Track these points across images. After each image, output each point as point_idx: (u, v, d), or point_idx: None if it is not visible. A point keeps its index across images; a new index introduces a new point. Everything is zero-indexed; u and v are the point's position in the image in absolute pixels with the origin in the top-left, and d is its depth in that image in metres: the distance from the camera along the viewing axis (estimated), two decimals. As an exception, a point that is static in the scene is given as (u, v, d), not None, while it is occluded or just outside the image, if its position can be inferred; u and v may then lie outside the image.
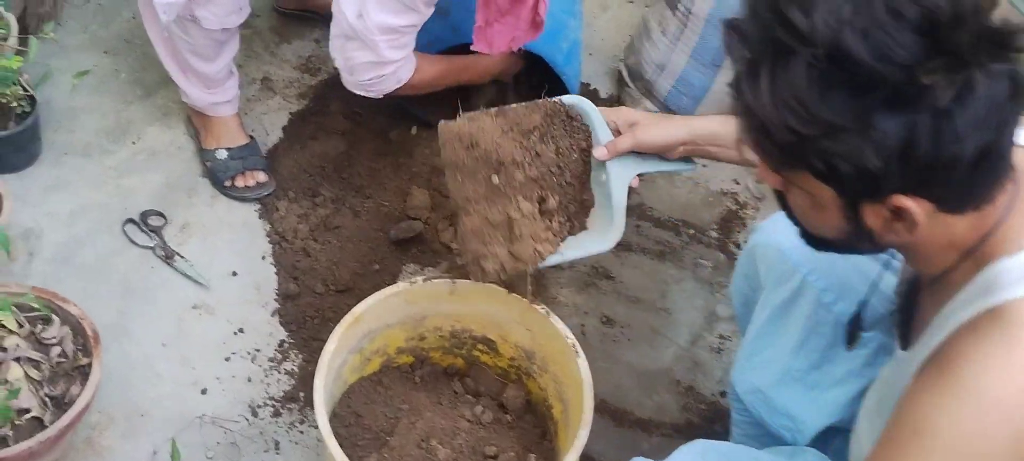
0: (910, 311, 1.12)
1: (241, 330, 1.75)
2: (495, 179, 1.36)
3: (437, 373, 1.63)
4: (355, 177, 2.00)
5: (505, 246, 1.39)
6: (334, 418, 1.50)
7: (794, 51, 0.82)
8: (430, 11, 1.67)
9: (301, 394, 1.68)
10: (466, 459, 1.47)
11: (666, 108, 2.20)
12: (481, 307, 1.53)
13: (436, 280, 1.47)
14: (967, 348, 0.89)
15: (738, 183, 2.19)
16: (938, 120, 0.81)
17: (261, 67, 2.22)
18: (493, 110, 1.40)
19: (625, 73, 2.29)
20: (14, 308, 1.46)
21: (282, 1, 2.32)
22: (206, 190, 1.95)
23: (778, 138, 0.85)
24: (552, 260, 1.41)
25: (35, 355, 1.44)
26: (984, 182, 0.88)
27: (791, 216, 1.02)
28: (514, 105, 1.41)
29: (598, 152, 1.39)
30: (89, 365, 1.46)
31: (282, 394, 1.68)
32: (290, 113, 2.14)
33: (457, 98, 2.00)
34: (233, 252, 1.86)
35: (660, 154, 1.39)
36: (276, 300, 1.81)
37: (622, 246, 2.00)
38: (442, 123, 1.41)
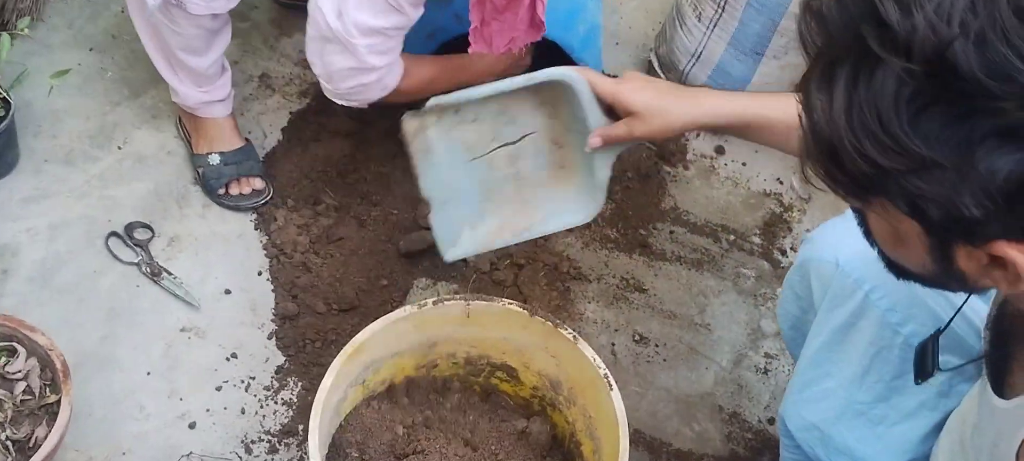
0: (1007, 348, 0.92)
1: (234, 355, 1.59)
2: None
3: (452, 390, 1.45)
4: (361, 183, 1.83)
5: None
6: (334, 451, 1.33)
7: (883, 58, 0.62)
8: (418, 13, 1.48)
9: (300, 427, 1.52)
10: None
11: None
12: (500, 332, 1.35)
13: (448, 303, 1.30)
14: None
15: (782, 183, 2.00)
16: None
17: (259, 63, 2.05)
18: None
19: (656, 63, 2.10)
20: (-25, 339, 1.31)
21: (282, -9, 2.15)
22: (198, 199, 1.79)
23: (850, 166, 0.66)
24: (527, 235, 1.30)
25: (-2, 392, 1.28)
26: None
27: (869, 238, 0.81)
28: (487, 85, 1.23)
29: (591, 141, 1.23)
30: (57, 403, 1.30)
31: (279, 427, 1.51)
32: (290, 113, 1.96)
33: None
34: (226, 268, 1.69)
35: None
36: (273, 321, 1.64)
37: (655, 254, 1.82)
38: (405, 117, 1.25)
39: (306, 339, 1.61)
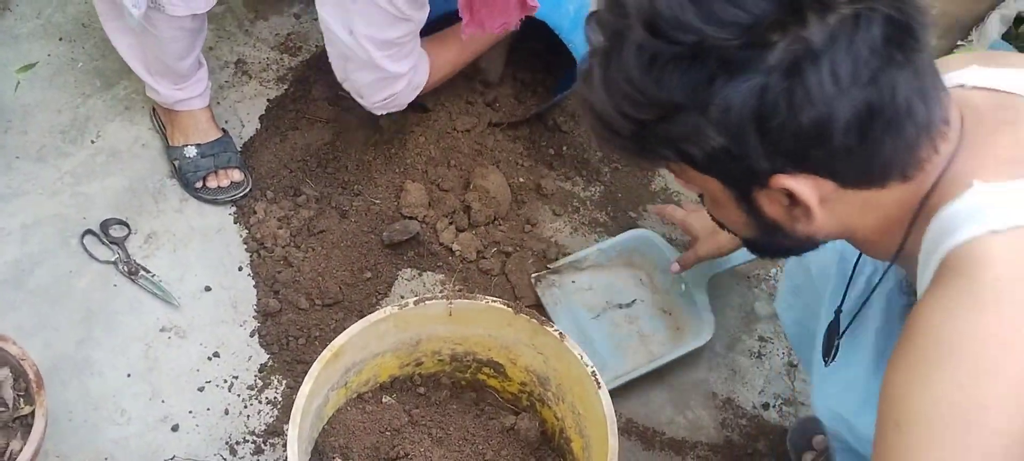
0: None
1: (216, 354, 1.55)
2: None
3: (439, 386, 1.42)
4: (342, 172, 1.78)
5: None
6: (317, 457, 1.30)
7: (625, 34, 0.75)
8: (424, 13, 1.48)
9: (285, 426, 1.48)
10: None
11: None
12: (484, 329, 1.32)
13: (430, 302, 1.26)
14: (929, 315, 0.76)
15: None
16: (790, 81, 0.70)
17: (234, 48, 1.99)
18: None
19: (642, 39, 2.05)
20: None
21: (257, -27, 2.09)
22: (174, 193, 1.74)
23: (619, 128, 0.79)
24: (656, 363, 1.57)
25: (-31, 406, 1.24)
26: (883, 148, 0.75)
27: (713, 217, 0.93)
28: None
29: (672, 267, 1.64)
30: (32, 414, 1.26)
31: (264, 427, 1.48)
32: (268, 100, 1.91)
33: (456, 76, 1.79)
34: (206, 264, 1.65)
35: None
36: (255, 318, 1.60)
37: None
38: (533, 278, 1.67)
39: (289, 336, 1.57)
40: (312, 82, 1.93)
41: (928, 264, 0.80)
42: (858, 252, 1.06)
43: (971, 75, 0.87)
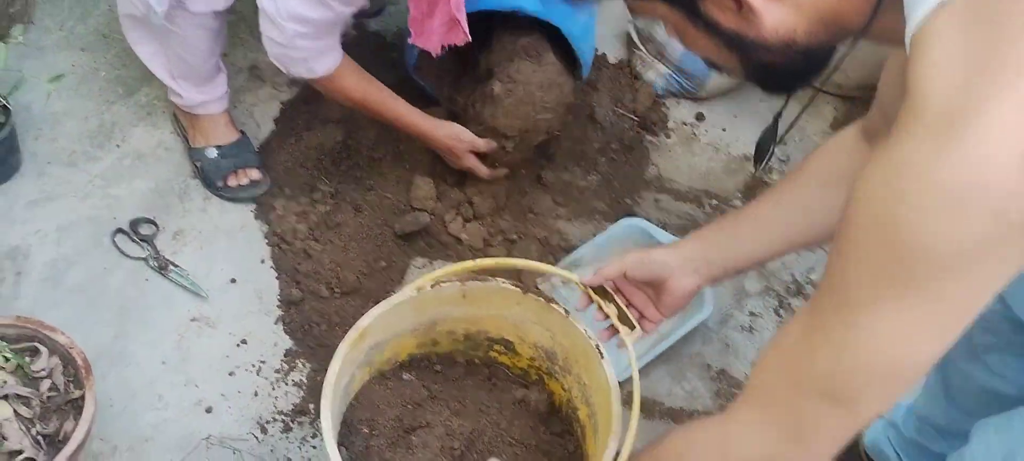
0: None
1: (244, 341, 1.66)
2: None
3: (454, 363, 1.54)
4: (354, 169, 1.89)
5: None
6: (346, 429, 1.40)
7: None
8: (348, 10, 1.56)
9: (311, 406, 1.59)
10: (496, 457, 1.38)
11: (681, 70, 2.08)
12: (495, 309, 1.43)
13: (445, 285, 1.37)
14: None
15: (760, 146, 2.07)
16: None
17: (248, 55, 2.10)
18: None
19: (635, 36, 2.16)
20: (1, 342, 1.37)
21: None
22: (198, 193, 1.85)
23: None
24: (667, 343, 1.66)
25: (24, 391, 1.35)
26: None
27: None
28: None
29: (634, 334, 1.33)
30: (82, 398, 1.37)
31: (291, 407, 1.59)
32: (281, 103, 2.02)
33: (463, 68, 1.89)
34: (230, 258, 1.76)
35: None
36: (279, 307, 1.71)
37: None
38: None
39: (312, 322, 1.68)
40: (323, 84, 2.04)
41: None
42: None
43: None
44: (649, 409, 1.66)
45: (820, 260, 1.90)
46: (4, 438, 1.30)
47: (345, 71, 1.68)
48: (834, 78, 2.16)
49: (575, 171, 1.97)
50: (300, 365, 1.64)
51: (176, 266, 1.73)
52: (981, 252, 0.64)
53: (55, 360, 1.40)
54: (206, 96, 1.81)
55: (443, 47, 1.59)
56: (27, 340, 1.41)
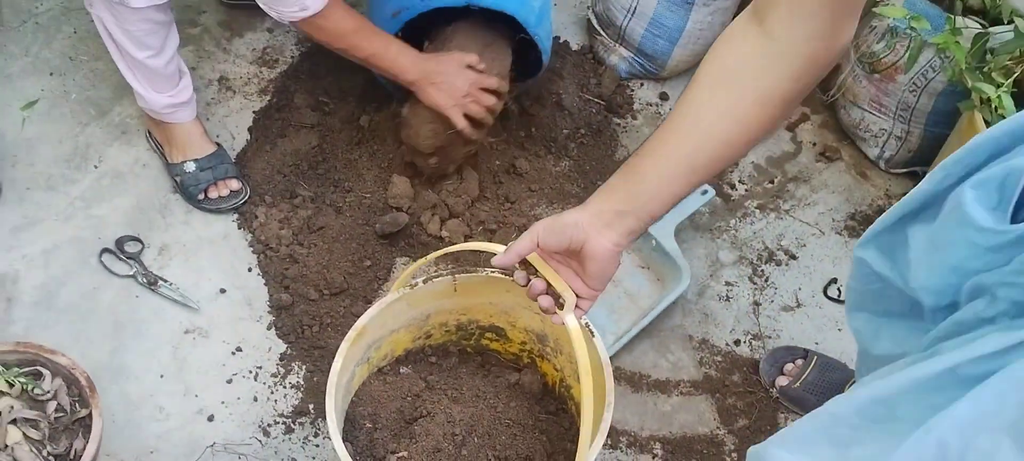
0: None
1: (239, 349, 1.70)
2: None
3: (448, 354, 1.59)
4: (331, 172, 1.93)
5: None
6: (349, 425, 1.45)
7: None
8: None
9: (310, 406, 1.64)
10: (496, 440, 1.44)
11: (641, 52, 2.14)
12: (486, 298, 1.48)
13: (436, 280, 1.42)
14: None
15: (723, 121, 2.14)
16: None
17: (216, 66, 2.12)
18: None
19: (594, 21, 2.22)
20: (1, 367, 1.40)
21: (227, -8, 2.21)
22: (179, 207, 1.88)
23: None
24: (649, 317, 1.76)
25: (31, 414, 1.38)
26: None
27: None
28: None
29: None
30: (89, 416, 1.40)
31: (291, 409, 1.63)
32: (253, 112, 2.05)
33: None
34: (217, 268, 1.79)
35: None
36: (270, 312, 1.75)
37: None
38: None
39: (303, 325, 1.72)
40: (293, 91, 2.07)
41: None
42: None
43: None
44: (637, 383, 1.73)
45: (788, 226, 1.99)
46: (16, 461, 1.32)
47: (336, 5, 1.65)
48: None
49: (547, 158, 2.03)
50: (296, 368, 1.68)
51: (164, 280, 1.76)
52: None
53: (58, 381, 1.42)
54: (172, 99, 1.81)
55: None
56: (28, 364, 1.43)
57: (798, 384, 1.69)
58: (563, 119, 2.06)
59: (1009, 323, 0.82)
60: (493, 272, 1.44)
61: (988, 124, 1.64)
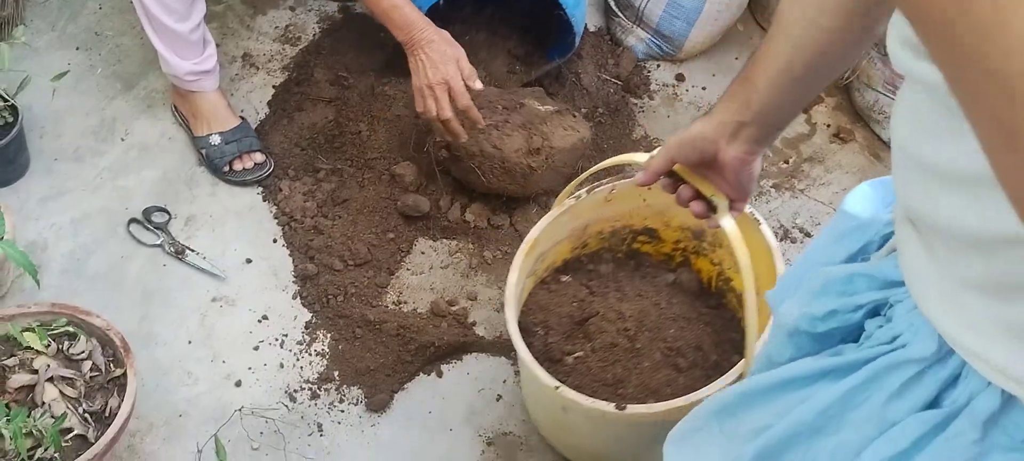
0: None
1: (265, 317, 1.73)
2: None
3: (602, 260, 1.67)
4: (349, 146, 1.95)
5: None
6: (523, 333, 1.47)
7: None
8: None
9: (335, 373, 1.67)
10: (664, 333, 1.52)
11: (659, 33, 2.17)
12: (639, 202, 1.58)
13: (596, 190, 1.52)
14: None
15: (739, 101, 2.17)
16: None
17: (239, 44, 2.15)
18: None
19: (612, 2, 2.25)
20: (38, 327, 1.43)
21: (251, -28, 2.24)
22: (205, 179, 1.91)
23: None
24: None
25: (67, 373, 1.41)
26: None
27: None
28: None
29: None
30: (123, 375, 1.43)
31: (317, 376, 1.67)
32: (273, 87, 2.08)
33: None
34: (243, 239, 1.82)
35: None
36: (295, 282, 1.78)
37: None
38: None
39: (328, 295, 1.75)
40: (313, 66, 2.10)
41: None
42: None
43: None
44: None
45: (803, 205, 2.02)
46: (54, 417, 1.35)
47: None
48: None
49: (565, 136, 2.05)
50: (321, 336, 1.71)
51: (192, 250, 1.79)
52: None
53: (93, 342, 1.46)
54: (197, 66, 1.84)
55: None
56: (63, 326, 1.46)
57: None
58: (581, 98, 2.09)
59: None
60: None
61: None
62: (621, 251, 1.67)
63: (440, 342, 1.71)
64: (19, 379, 1.38)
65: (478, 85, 1.72)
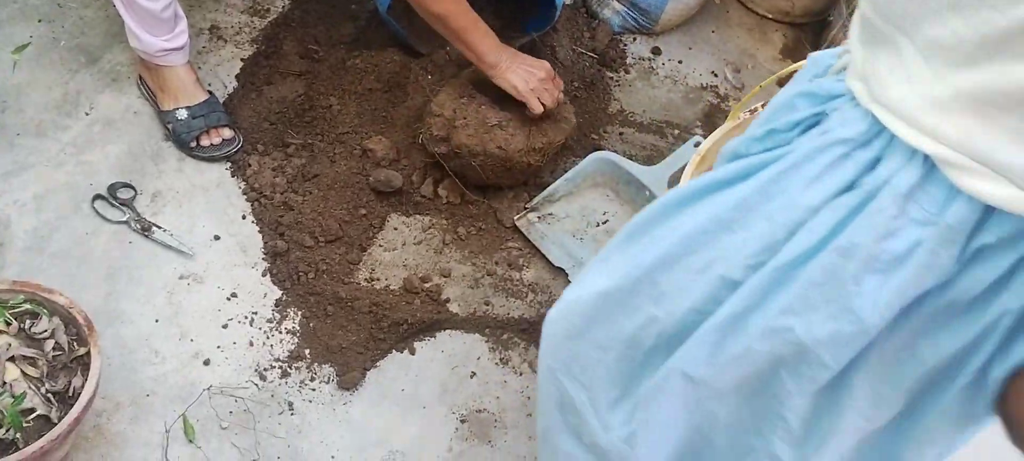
0: None
1: (234, 295, 1.69)
2: None
3: None
4: (319, 120, 1.92)
5: None
6: None
7: None
8: None
9: (306, 351, 1.64)
10: None
11: (635, 6, 2.15)
12: None
13: (758, 109, 1.53)
14: None
15: (716, 76, 2.16)
16: None
17: (207, 16, 2.10)
18: None
19: (587, -24, 2.22)
20: (-2, 306, 1.39)
21: (219, -58, 2.18)
22: (172, 154, 1.86)
23: None
24: None
25: (29, 352, 1.37)
26: None
27: None
28: None
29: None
30: (87, 354, 1.40)
31: (287, 354, 1.64)
32: (242, 60, 2.03)
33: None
34: (211, 216, 1.79)
35: None
36: (264, 259, 1.75)
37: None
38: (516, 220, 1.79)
39: (299, 272, 1.72)
40: (282, 39, 2.06)
41: None
42: None
43: None
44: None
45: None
46: (13, 397, 1.32)
47: None
48: (781, 5, 2.25)
49: (540, 111, 2.03)
50: (291, 314, 1.69)
51: (158, 227, 1.75)
52: None
53: (56, 321, 1.42)
54: (167, 43, 1.80)
55: None
56: (23, 303, 1.42)
57: None
58: (557, 72, 2.06)
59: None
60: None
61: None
62: None
63: (413, 319, 1.69)
64: (-22, 359, 1.34)
65: (560, 85, 1.83)
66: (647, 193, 1.85)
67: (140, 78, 1.92)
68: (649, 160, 1.97)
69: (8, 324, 1.38)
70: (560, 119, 1.82)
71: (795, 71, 1.31)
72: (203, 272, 1.71)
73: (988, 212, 0.76)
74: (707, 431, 0.98)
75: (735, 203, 0.88)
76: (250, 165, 1.85)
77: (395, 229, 1.82)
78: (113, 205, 1.76)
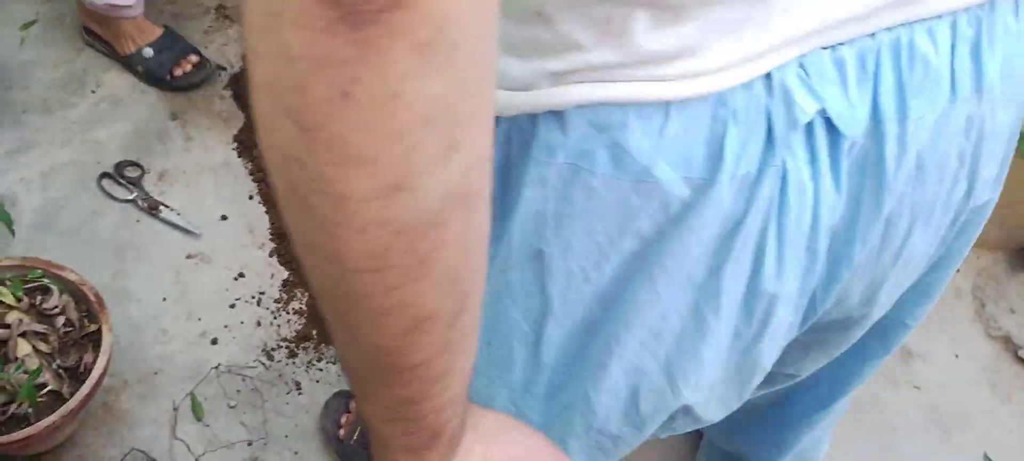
0: None
1: (241, 274, 1.70)
2: None
3: None
4: (333, 102, 1.93)
5: None
6: None
7: None
8: None
9: (314, 332, 1.65)
10: None
11: None
12: None
13: None
14: None
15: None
16: None
17: (213, -5, 2.10)
18: None
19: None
20: (14, 280, 1.39)
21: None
22: (178, 134, 1.87)
23: None
24: None
25: (40, 328, 1.38)
26: None
27: None
28: None
29: None
30: (98, 330, 1.40)
31: (294, 334, 1.65)
32: (251, 41, 2.03)
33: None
34: (218, 195, 1.79)
35: None
36: (272, 239, 1.75)
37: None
38: None
39: (306, 252, 1.73)
40: (290, 22, 2.06)
41: None
42: None
43: None
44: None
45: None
46: (28, 372, 1.33)
47: None
48: None
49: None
50: (298, 294, 1.69)
51: (166, 206, 1.75)
52: None
53: (66, 297, 1.42)
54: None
55: None
56: (37, 278, 1.43)
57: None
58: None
59: None
60: None
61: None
62: None
63: (419, 301, 1.70)
64: (-10, 334, 1.35)
65: None
66: None
67: (86, 29, 1.91)
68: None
69: (19, 300, 1.39)
70: None
71: None
72: (210, 252, 1.72)
73: None
74: None
75: None
76: (257, 145, 1.86)
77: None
78: (120, 184, 1.76)
